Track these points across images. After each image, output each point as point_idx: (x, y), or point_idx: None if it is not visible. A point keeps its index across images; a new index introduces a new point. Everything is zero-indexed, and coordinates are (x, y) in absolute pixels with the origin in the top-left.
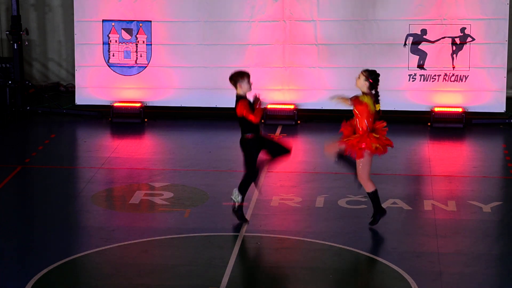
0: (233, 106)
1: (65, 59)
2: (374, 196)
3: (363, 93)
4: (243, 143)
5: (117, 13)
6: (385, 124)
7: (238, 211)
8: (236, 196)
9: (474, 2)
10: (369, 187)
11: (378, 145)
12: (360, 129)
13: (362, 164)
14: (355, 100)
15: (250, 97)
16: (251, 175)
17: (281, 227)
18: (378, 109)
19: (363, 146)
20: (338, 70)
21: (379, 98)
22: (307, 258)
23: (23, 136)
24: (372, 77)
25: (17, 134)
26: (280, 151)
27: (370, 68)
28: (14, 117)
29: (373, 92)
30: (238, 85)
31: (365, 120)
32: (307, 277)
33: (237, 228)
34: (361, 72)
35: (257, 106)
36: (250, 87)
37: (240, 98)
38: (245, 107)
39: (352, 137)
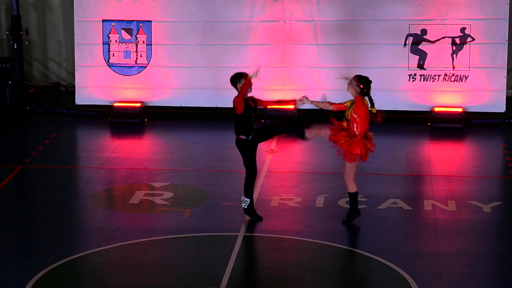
0: (233, 106)
1: (65, 59)
2: (354, 197)
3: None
4: (238, 144)
5: (117, 13)
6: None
7: (249, 210)
8: (245, 202)
9: (474, 2)
10: (352, 188)
11: (369, 151)
12: (357, 134)
13: (350, 166)
14: (358, 100)
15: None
16: (251, 175)
17: (281, 227)
18: (374, 112)
19: (357, 152)
20: (338, 70)
21: (373, 102)
22: (307, 258)
23: (23, 136)
24: (364, 83)
25: (17, 134)
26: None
27: (363, 74)
28: (14, 117)
29: (366, 98)
30: (238, 87)
31: (363, 125)
32: (307, 277)
33: (237, 228)
34: (353, 77)
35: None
36: (251, 88)
37: (236, 96)
38: (238, 103)
39: (346, 141)
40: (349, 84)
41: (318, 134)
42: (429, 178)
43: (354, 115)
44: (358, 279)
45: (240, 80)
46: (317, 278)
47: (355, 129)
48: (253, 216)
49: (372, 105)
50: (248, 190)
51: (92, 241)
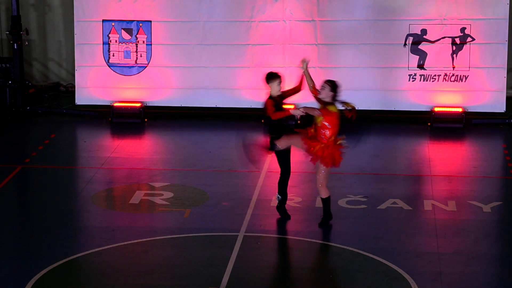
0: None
1: (65, 59)
2: (327, 202)
3: (327, 103)
4: (271, 145)
5: (117, 13)
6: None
7: (280, 207)
8: (277, 199)
9: (474, 2)
10: (325, 193)
11: (339, 156)
12: (329, 139)
13: (324, 172)
14: (324, 111)
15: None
16: (286, 174)
17: (281, 227)
18: (351, 107)
19: (332, 156)
20: (338, 70)
21: (345, 101)
22: (307, 258)
23: (23, 136)
24: (335, 88)
25: (17, 134)
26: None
27: (332, 79)
28: (14, 117)
29: (336, 100)
30: (269, 86)
31: (334, 130)
32: (307, 277)
33: (237, 228)
34: (325, 82)
35: (301, 81)
36: (280, 89)
37: (268, 98)
38: (270, 106)
39: (321, 147)
40: (322, 90)
41: (288, 143)
42: (429, 178)
43: (325, 123)
44: (358, 279)
45: (272, 80)
46: (317, 278)
47: (326, 135)
48: (282, 214)
49: (344, 103)
50: (281, 188)
51: (92, 241)
